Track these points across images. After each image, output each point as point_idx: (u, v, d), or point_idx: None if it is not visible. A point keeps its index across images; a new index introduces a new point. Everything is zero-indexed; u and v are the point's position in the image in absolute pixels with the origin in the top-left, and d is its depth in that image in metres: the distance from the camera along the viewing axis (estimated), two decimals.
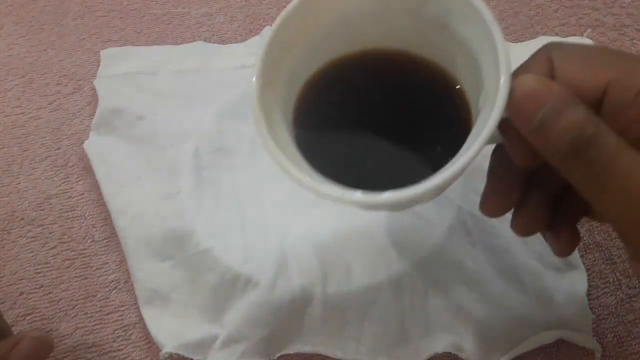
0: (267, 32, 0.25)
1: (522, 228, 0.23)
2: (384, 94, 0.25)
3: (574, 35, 0.42)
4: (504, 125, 0.20)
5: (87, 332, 0.31)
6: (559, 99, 0.18)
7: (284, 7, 0.23)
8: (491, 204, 0.23)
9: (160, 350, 0.29)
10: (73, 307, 0.32)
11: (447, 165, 0.20)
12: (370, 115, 0.25)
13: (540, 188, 0.23)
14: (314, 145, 0.23)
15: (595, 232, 0.33)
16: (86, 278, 0.33)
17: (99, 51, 0.41)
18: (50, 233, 0.34)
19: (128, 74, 0.40)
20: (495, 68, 0.19)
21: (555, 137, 0.18)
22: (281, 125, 0.22)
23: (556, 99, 0.18)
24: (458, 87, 0.23)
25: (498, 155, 0.23)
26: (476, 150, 0.19)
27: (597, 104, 0.19)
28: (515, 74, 0.20)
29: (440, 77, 0.24)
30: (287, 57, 0.23)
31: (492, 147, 0.23)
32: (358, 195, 0.20)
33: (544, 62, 0.20)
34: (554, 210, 0.23)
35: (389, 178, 0.22)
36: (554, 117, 0.18)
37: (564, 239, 0.23)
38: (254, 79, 0.22)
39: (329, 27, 0.24)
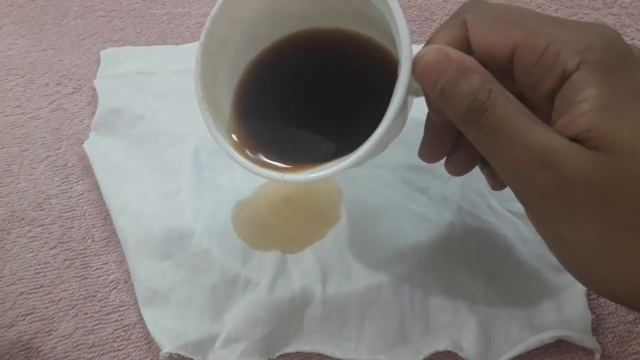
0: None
1: (454, 169, 0.26)
2: (325, 70, 0.27)
3: None
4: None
5: (87, 332, 0.31)
6: (456, 70, 0.20)
7: None
8: (427, 153, 0.26)
9: (160, 350, 0.29)
10: (73, 307, 0.32)
11: (355, 152, 0.22)
12: (312, 89, 0.27)
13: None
14: (258, 121, 0.26)
15: None
16: (86, 278, 0.33)
17: (99, 51, 0.41)
18: (50, 233, 0.34)
19: (128, 74, 0.40)
20: (399, 46, 0.21)
21: (454, 104, 0.20)
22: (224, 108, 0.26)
23: (453, 70, 0.20)
24: (393, 57, 0.25)
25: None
26: (385, 128, 0.21)
27: (508, 63, 0.21)
28: (430, 38, 0.22)
29: (375, 50, 0.26)
30: (226, 48, 0.26)
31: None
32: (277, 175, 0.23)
33: (458, 24, 0.22)
34: None
35: (326, 147, 0.25)
36: (451, 86, 0.20)
37: (497, 175, 0.25)
38: (195, 64, 0.25)
39: (262, 14, 0.26)
